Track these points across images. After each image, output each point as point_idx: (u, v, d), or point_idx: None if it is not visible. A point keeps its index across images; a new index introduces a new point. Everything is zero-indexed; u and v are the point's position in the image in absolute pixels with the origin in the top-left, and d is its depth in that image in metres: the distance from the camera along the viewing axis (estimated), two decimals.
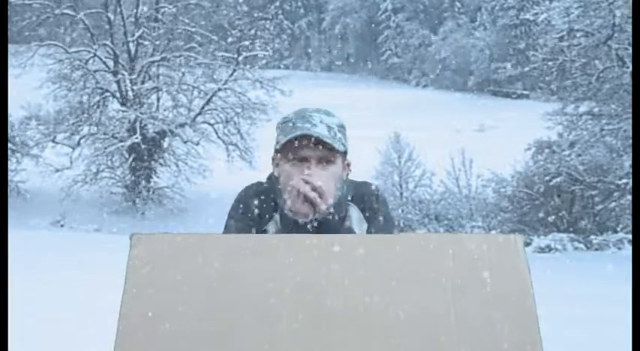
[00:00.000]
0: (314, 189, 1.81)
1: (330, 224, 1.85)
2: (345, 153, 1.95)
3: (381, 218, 1.98)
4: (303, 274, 1.43)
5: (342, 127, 1.95)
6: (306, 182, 1.82)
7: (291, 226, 1.86)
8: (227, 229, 1.97)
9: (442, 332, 1.38)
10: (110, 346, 1.37)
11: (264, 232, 1.94)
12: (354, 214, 1.97)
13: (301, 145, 1.87)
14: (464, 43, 50.81)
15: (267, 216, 1.96)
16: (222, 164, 22.20)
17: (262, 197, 1.98)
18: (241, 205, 1.98)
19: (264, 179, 2.05)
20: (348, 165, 2.00)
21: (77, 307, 6.35)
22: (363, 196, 2.00)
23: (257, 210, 1.96)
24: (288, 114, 1.97)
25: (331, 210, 1.84)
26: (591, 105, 19.77)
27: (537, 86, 24.02)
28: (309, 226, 1.85)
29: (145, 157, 22.79)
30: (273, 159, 1.99)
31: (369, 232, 1.96)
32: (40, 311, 6.03)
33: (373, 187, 2.05)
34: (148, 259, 1.44)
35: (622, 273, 6.99)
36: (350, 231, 1.90)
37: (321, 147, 1.87)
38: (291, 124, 1.91)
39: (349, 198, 1.98)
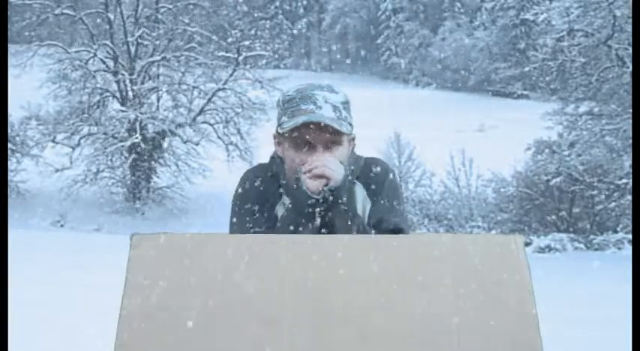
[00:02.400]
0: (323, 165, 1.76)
1: (336, 210, 1.78)
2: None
3: (386, 197, 1.89)
4: (304, 275, 1.43)
5: (346, 104, 1.86)
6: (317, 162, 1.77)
7: (300, 208, 1.79)
8: (233, 218, 1.90)
9: (443, 332, 1.38)
10: (110, 346, 1.37)
11: (274, 215, 1.87)
12: (359, 193, 1.90)
13: (306, 130, 1.79)
14: (464, 43, 50.81)
15: (273, 199, 1.89)
16: (222, 164, 22.19)
17: (266, 180, 1.91)
18: (244, 192, 1.91)
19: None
20: (353, 139, 1.92)
21: (77, 307, 6.35)
22: (370, 173, 1.92)
23: (261, 194, 1.89)
24: (290, 90, 1.88)
25: (342, 178, 1.78)
26: (591, 105, 19.78)
27: (537, 86, 24.01)
28: (317, 211, 1.79)
29: (145, 157, 22.78)
30: (274, 137, 1.91)
31: (370, 209, 1.89)
32: (40, 311, 6.02)
33: (383, 165, 1.95)
34: (148, 259, 1.44)
35: (622, 273, 6.99)
36: (357, 217, 1.83)
37: (327, 131, 1.79)
38: (294, 105, 1.82)
39: (355, 175, 1.91)
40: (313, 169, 1.76)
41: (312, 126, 1.78)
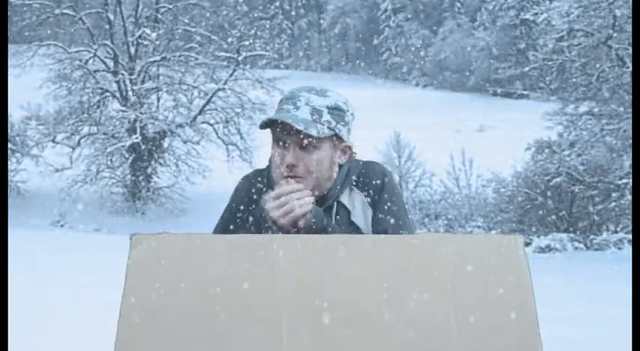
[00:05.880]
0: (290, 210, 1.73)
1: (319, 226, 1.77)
2: (338, 136, 1.85)
3: (387, 204, 1.87)
4: (303, 274, 1.43)
5: (334, 109, 1.84)
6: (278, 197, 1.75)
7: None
8: (219, 221, 1.92)
9: (442, 333, 1.38)
10: (110, 346, 1.37)
11: (263, 223, 1.85)
12: (357, 199, 1.89)
13: (282, 130, 1.81)
14: (464, 43, 50.84)
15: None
16: (222, 164, 22.20)
17: (257, 186, 1.92)
18: (235, 197, 1.94)
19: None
20: (349, 148, 1.90)
21: (77, 307, 6.35)
22: (368, 178, 1.90)
23: (251, 200, 1.91)
24: (285, 93, 1.92)
25: (311, 210, 1.76)
26: (591, 105, 19.78)
27: (537, 86, 24.03)
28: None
29: (145, 157, 22.79)
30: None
31: (374, 218, 1.87)
32: (40, 311, 6.02)
33: (380, 169, 1.93)
34: (148, 259, 1.44)
35: (622, 273, 7.00)
36: (342, 227, 1.83)
37: (299, 132, 1.79)
38: (279, 105, 1.87)
39: (353, 181, 1.90)
40: (281, 206, 1.74)
41: (285, 126, 1.80)
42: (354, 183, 1.91)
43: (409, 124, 26.86)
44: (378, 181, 1.90)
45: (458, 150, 22.33)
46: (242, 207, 1.92)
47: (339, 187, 1.88)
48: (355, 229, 1.86)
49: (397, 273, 1.43)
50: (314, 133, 1.79)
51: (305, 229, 1.75)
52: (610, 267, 13.10)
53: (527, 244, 15.65)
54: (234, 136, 23.29)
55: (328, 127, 1.83)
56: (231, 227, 1.90)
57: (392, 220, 1.87)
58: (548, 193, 19.50)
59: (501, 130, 34.12)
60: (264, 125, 1.84)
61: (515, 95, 46.25)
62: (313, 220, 1.75)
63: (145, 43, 23.07)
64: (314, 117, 1.81)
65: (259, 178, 1.95)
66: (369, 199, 1.89)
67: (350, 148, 1.91)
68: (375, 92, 44.41)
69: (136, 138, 21.85)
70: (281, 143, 1.83)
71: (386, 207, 1.88)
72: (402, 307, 1.40)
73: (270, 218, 1.76)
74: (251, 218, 1.88)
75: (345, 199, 1.89)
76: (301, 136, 1.80)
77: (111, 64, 23.13)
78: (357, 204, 1.89)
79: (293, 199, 1.74)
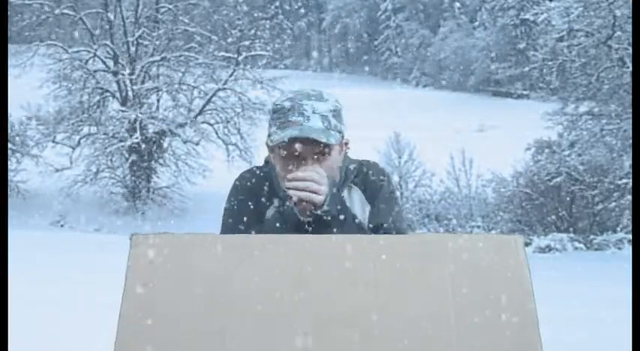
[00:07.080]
0: (307, 187, 1.73)
1: (333, 223, 1.78)
2: (342, 136, 1.87)
3: (383, 200, 1.90)
4: (303, 275, 1.43)
5: (336, 112, 1.85)
6: (299, 180, 1.75)
7: (290, 215, 1.79)
8: (224, 217, 1.91)
9: (443, 333, 1.38)
10: (110, 346, 1.37)
11: (263, 219, 1.87)
12: (356, 196, 1.91)
13: (295, 143, 1.79)
14: (464, 43, 50.81)
15: (264, 202, 1.90)
16: (222, 164, 22.17)
17: (259, 183, 1.92)
18: (238, 192, 1.92)
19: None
20: (346, 143, 1.92)
21: (77, 307, 6.35)
22: (365, 175, 1.93)
23: (254, 196, 1.90)
24: (279, 100, 1.87)
25: (327, 195, 1.77)
26: (591, 105, 19.78)
27: (537, 86, 24.02)
28: (310, 229, 1.78)
29: (145, 157, 22.77)
30: (267, 144, 1.91)
31: (370, 214, 1.89)
32: (40, 311, 6.02)
33: (376, 167, 1.96)
34: (148, 259, 1.44)
35: (622, 273, 6.99)
36: (350, 222, 1.83)
37: (315, 143, 1.79)
38: (282, 116, 1.82)
39: (352, 179, 1.92)
40: (299, 192, 1.74)
41: (299, 139, 1.78)
42: (353, 181, 1.93)
43: (409, 124, 26.83)
44: (375, 178, 1.92)
45: (458, 150, 22.33)
46: (244, 203, 1.90)
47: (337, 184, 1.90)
48: (354, 226, 1.87)
49: (397, 273, 1.43)
50: (332, 141, 1.81)
51: (322, 217, 1.76)
52: (610, 267, 13.10)
53: (527, 244, 15.64)
54: (234, 136, 23.28)
55: (337, 131, 1.84)
56: (245, 219, 1.87)
57: (386, 216, 1.89)
58: (548, 193, 19.49)
59: (501, 130, 34.11)
60: (282, 142, 1.80)
61: (515, 95, 46.21)
62: (327, 207, 1.76)
63: (145, 43, 23.06)
64: (325, 124, 1.81)
65: (262, 175, 1.94)
66: (366, 196, 1.92)
67: (347, 143, 1.93)
68: (375, 92, 44.42)
69: (136, 138, 21.83)
70: (293, 158, 1.81)
71: (382, 203, 1.90)
72: (402, 307, 1.40)
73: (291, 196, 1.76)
74: (256, 218, 1.87)
75: (344, 196, 1.90)
76: (316, 147, 1.79)
77: (111, 64, 23.11)
78: (355, 201, 1.91)
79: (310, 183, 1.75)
